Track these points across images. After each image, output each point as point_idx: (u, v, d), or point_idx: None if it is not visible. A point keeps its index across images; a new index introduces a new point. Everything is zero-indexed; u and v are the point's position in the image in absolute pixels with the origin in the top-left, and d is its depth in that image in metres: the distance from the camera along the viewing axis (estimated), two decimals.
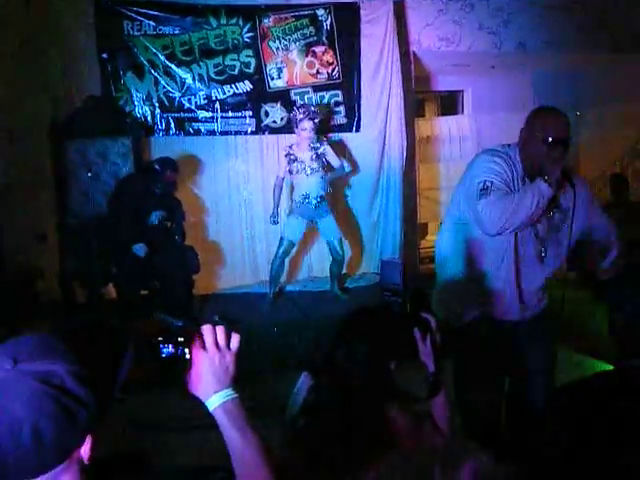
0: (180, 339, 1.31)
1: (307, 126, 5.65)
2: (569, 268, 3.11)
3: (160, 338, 1.31)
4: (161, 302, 5.34)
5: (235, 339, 1.34)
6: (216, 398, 1.28)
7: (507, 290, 2.91)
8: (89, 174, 5.51)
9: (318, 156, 5.75)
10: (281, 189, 5.88)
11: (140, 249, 5.15)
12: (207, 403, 1.29)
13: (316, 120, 5.73)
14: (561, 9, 7.03)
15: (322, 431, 1.88)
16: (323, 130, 6.23)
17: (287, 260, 6.05)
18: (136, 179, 5.45)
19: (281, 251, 5.81)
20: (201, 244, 5.98)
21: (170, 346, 1.30)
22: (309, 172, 5.70)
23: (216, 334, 1.32)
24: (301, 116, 5.67)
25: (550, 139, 2.67)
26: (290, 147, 5.77)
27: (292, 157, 5.72)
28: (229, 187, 6.39)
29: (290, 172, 5.76)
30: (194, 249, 5.58)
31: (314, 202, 5.73)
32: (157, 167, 5.31)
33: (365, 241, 6.66)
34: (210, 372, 1.29)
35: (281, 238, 5.85)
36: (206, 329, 1.31)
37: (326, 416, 1.93)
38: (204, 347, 1.30)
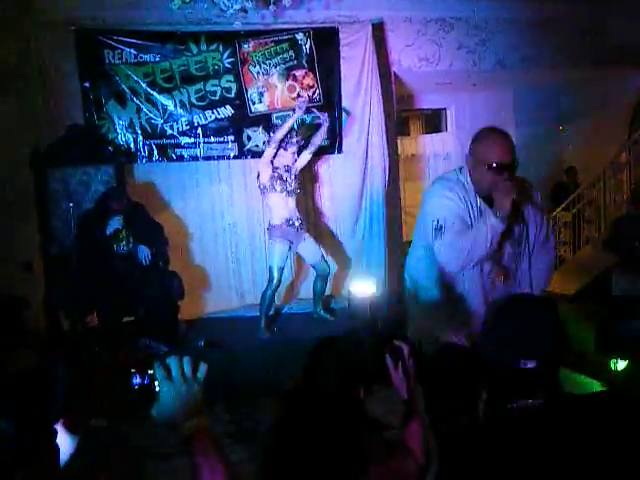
0: (150, 371, 1.34)
1: (293, 149, 5.72)
2: None
3: (133, 370, 1.34)
4: (146, 328, 5.34)
5: (202, 369, 1.36)
6: (184, 427, 1.30)
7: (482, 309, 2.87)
8: (71, 204, 5.52)
9: (296, 177, 5.79)
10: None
11: (116, 222, 5.24)
12: (176, 432, 1.31)
13: (301, 143, 5.79)
14: (539, 26, 7.12)
15: (291, 459, 1.89)
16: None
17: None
18: (95, 214, 5.46)
19: (275, 281, 5.70)
20: (186, 269, 6.00)
21: (138, 377, 1.34)
22: (291, 191, 5.70)
23: (182, 365, 1.34)
24: (291, 138, 5.70)
25: (494, 164, 2.59)
26: (277, 168, 5.70)
27: (277, 174, 5.67)
28: (213, 212, 6.43)
29: (268, 189, 5.67)
30: (178, 275, 5.58)
31: (297, 224, 5.75)
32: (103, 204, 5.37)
33: (350, 261, 6.67)
34: (177, 403, 1.31)
35: (270, 268, 5.74)
36: (172, 361, 1.34)
37: (295, 444, 1.94)
38: (170, 379, 1.32)
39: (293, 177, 5.75)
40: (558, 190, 8.34)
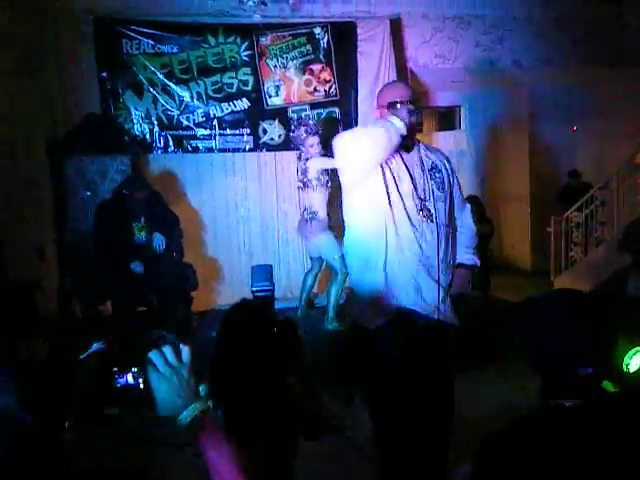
0: (134, 369, 1.33)
1: (314, 141, 5.51)
2: None
3: (115, 369, 1.34)
4: (159, 319, 5.35)
5: (185, 352, 1.36)
6: (185, 414, 1.30)
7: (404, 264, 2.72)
8: (88, 192, 5.54)
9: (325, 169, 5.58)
10: None
11: (137, 266, 5.18)
12: (179, 420, 1.31)
13: (320, 132, 5.63)
14: (555, 26, 7.11)
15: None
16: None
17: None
18: (114, 203, 5.40)
19: (341, 274, 5.43)
20: (200, 260, 6.00)
21: (125, 376, 1.33)
22: (328, 186, 5.53)
23: (165, 355, 1.34)
24: (304, 135, 5.56)
25: (398, 101, 2.76)
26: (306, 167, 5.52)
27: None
28: (227, 204, 6.44)
29: (317, 184, 5.49)
30: (192, 266, 5.59)
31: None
32: (125, 192, 5.26)
33: None
34: (173, 392, 1.31)
35: (332, 261, 5.55)
36: (154, 355, 1.33)
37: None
38: (158, 371, 1.32)
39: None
40: (566, 192, 8.28)
